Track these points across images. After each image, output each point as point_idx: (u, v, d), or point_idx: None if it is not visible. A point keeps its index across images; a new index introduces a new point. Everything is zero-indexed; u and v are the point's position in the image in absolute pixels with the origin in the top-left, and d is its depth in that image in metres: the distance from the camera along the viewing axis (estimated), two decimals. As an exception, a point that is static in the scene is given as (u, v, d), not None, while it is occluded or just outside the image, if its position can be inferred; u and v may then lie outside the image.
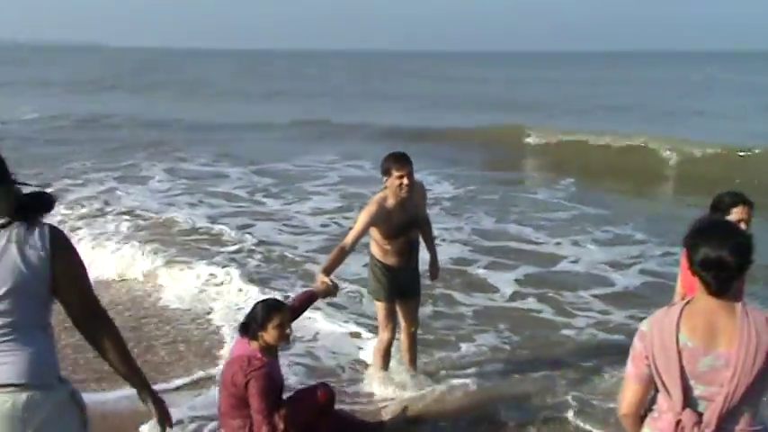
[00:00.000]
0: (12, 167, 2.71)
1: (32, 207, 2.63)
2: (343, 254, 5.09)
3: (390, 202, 5.13)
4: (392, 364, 5.67)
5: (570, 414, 5.30)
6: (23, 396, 2.54)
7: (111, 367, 2.82)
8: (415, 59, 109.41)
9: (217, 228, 10.48)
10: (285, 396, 4.81)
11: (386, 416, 5.23)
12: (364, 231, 5.15)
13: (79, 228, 10.37)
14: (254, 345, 4.62)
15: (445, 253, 8.64)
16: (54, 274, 2.63)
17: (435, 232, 5.93)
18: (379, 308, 5.47)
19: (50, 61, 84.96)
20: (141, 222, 10.83)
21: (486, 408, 5.42)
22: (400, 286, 5.43)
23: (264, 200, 12.96)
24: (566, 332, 6.94)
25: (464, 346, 6.54)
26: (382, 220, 5.15)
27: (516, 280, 8.45)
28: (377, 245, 5.36)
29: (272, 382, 4.57)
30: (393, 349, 5.65)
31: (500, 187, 14.28)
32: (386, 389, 5.56)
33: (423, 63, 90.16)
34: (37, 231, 2.63)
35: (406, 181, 5.03)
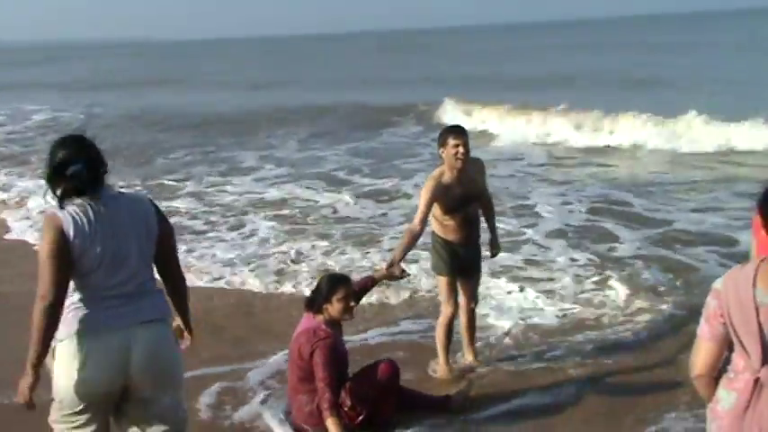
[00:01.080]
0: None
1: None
2: (413, 237, 5.17)
3: (447, 176, 5.20)
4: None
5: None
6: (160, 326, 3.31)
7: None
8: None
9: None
10: (351, 373, 4.87)
11: (450, 391, 5.24)
12: (429, 209, 5.22)
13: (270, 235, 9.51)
14: (319, 318, 4.73)
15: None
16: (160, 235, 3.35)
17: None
18: (441, 282, 5.53)
19: (76, 58, 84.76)
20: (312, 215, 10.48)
21: (553, 387, 5.37)
22: (461, 262, 5.47)
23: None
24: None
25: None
26: (441, 194, 5.23)
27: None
28: (437, 221, 5.43)
29: (337, 353, 4.65)
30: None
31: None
32: (449, 365, 5.57)
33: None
34: (146, 201, 3.42)
35: (461, 150, 5.13)
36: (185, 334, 3.60)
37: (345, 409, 4.61)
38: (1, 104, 25.80)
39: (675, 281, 7.33)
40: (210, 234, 9.76)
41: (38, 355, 3.10)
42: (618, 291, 7.09)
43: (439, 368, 5.59)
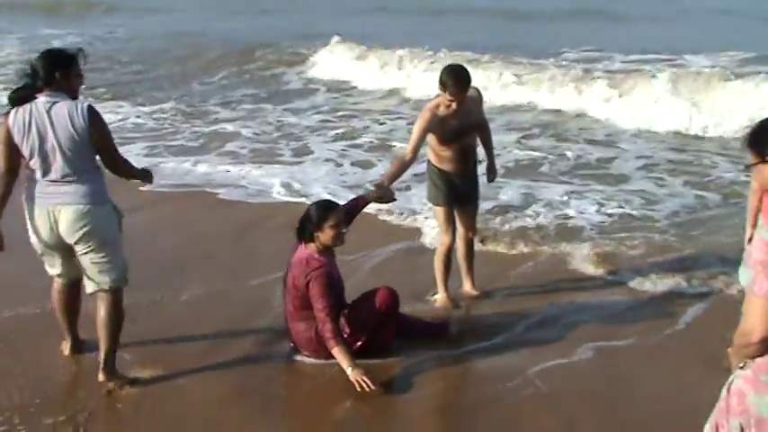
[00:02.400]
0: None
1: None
2: (403, 165, 5.16)
3: (442, 109, 5.14)
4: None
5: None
6: (83, 207, 4.18)
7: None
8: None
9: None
10: (348, 301, 4.86)
11: (449, 317, 5.28)
12: (421, 139, 5.18)
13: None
14: (311, 246, 4.67)
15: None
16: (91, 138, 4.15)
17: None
18: (438, 212, 5.49)
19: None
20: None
21: (548, 310, 5.43)
22: (458, 192, 5.44)
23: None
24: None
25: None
26: (436, 126, 5.18)
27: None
28: (433, 151, 5.39)
29: (332, 279, 4.63)
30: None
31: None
32: (448, 294, 5.57)
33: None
34: (80, 108, 4.14)
35: (454, 106, 5.08)
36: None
37: (345, 336, 4.61)
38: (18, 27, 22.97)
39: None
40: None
41: None
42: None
43: (438, 297, 5.59)
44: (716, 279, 5.80)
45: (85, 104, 4.16)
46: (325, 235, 4.64)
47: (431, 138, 5.24)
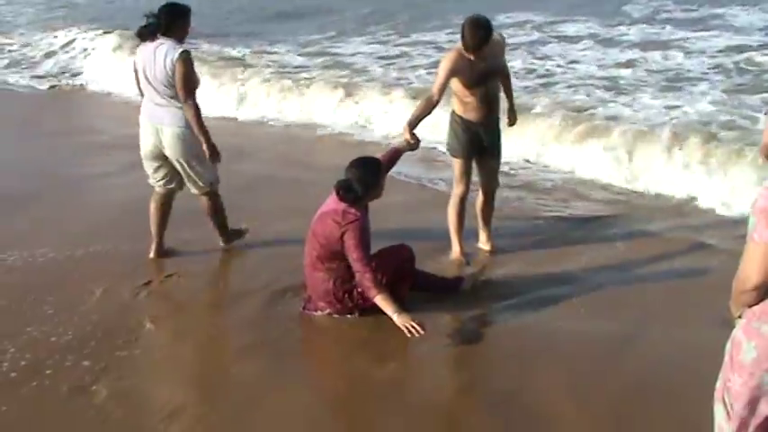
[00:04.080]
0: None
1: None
2: (429, 105, 5.06)
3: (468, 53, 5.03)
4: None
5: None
6: (177, 130, 5.14)
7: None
8: None
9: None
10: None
11: (463, 273, 5.25)
12: (448, 79, 5.08)
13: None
14: (356, 206, 4.62)
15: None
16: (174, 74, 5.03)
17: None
18: (456, 164, 5.42)
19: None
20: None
21: (566, 267, 5.39)
22: (480, 144, 5.36)
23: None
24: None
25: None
26: (463, 68, 5.06)
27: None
28: (457, 98, 5.28)
29: (367, 233, 4.60)
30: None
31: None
32: (461, 248, 5.52)
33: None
34: (175, 52, 5.03)
35: (473, 57, 4.97)
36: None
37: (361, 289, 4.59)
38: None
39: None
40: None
41: None
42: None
43: (452, 251, 5.55)
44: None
45: (180, 50, 5.00)
46: (376, 192, 4.68)
47: (455, 83, 5.15)
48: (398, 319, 4.33)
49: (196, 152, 5.19)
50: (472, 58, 4.96)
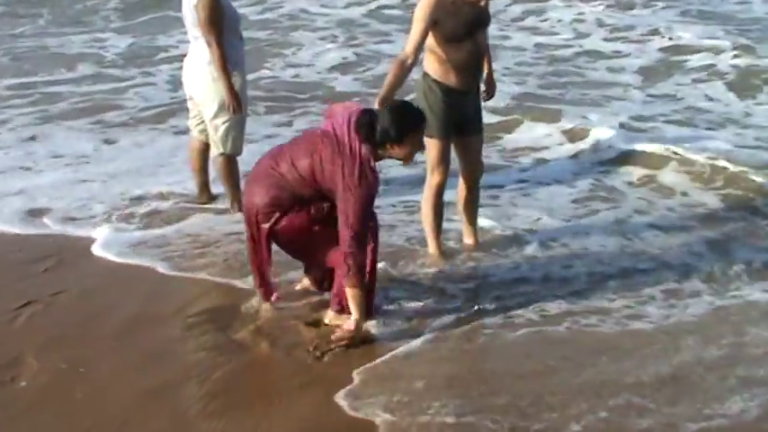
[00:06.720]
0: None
1: None
2: (403, 69, 3.97)
3: None
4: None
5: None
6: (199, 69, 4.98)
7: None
8: None
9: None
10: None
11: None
12: (427, 30, 3.98)
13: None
14: (369, 148, 3.57)
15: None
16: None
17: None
18: (431, 146, 4.21)
19: None
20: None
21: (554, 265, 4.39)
22: (460, 117, 4.23)
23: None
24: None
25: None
26: (447, 11, 3.96)
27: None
28: (435, 57, 4.13)
29: (374, 200, 3.63)
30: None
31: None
32: (440, 250, 4.46)
33: None
34: None
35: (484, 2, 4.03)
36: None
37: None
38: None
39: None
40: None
41: None
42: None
43: (429, 255, 4.45)
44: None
45: None
46: (402, 149, 3.60)
47: (432, 37, 4.04)
48: (356, 326, 3.63)
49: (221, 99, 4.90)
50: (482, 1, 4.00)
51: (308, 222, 3.67)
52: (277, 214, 3.64)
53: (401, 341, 3.70)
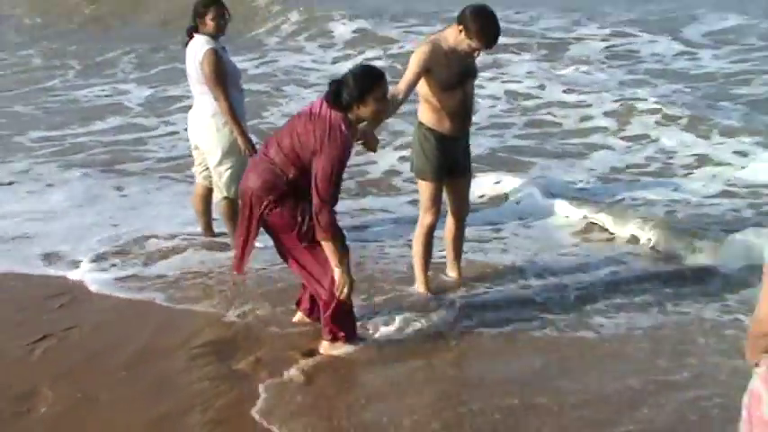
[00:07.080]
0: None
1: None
2: (393, 104, 4.21)
3: (447, 45, 4.28)
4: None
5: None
6: (204, 122, 5.28)
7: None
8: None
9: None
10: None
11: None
12: (419, 76, 4.28)
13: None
14: (340, 114, 3.84)
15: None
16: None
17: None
18: (425, 188, 4.54)
19: None
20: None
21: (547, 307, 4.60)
22: (452, 161, 4.53)
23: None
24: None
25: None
26: (439, 63, 4.26)
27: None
28: (429, 106, 4.42)
29: (347, 162, 3.90)
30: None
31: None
32: (428, 284, 4.73)
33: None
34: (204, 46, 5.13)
35: (477, 55, 4.31)
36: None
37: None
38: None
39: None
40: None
41: None
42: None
43: (417, 287, 4.72)
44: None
45: (208, 46, 5.09)
46: (368, 108, 3.85)
47: (425, 86, 4.33)
48: (340, 271, 3.90)
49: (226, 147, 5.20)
50: (476, 54, 4.29)
51: (296, 231, 3.92)
52: (270, 197, 3.91)
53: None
